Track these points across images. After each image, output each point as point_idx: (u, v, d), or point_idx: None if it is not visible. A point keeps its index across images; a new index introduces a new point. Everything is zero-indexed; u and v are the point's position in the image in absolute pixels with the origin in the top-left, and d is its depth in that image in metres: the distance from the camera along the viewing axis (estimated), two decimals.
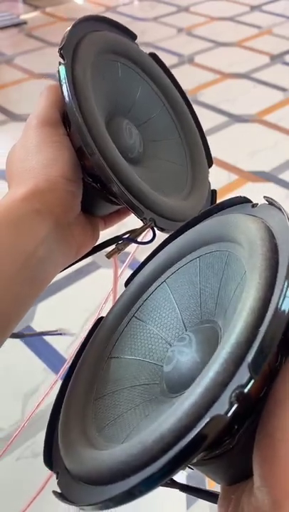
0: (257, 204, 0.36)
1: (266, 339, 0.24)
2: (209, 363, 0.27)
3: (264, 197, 0.34)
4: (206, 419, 0.24)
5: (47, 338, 1.21)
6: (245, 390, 0.23)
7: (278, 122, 2.02)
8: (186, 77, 2.29)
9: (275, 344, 0.24)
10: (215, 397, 0.25)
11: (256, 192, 1.64)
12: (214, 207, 0.39)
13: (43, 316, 1.27)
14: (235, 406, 0.23)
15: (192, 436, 0.24)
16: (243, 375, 0.24)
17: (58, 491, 0.30)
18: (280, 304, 0.25)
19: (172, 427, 0.25)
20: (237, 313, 0.27)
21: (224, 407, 0.24)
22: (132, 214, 0.43)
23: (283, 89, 2.25)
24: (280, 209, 0.32)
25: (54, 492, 0.30)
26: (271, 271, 0.28)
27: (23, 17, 3.10)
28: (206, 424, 0.23)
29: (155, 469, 0.25)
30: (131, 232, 0.44)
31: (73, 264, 0.44)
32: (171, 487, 0.33)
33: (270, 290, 0.27)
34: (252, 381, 0.24)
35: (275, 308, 0.25)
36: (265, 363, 0.24)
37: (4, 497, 0.96)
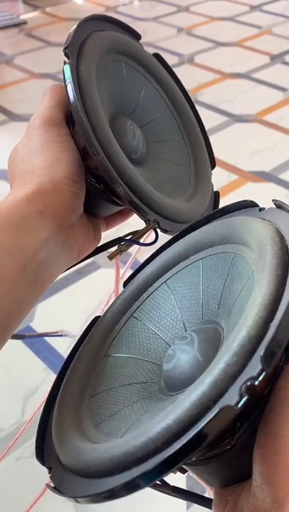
0: (264, 208, 0.36)
1: (279, 333, 0.24)
2: (218, 356, 0.26)
3: (273, 200, 0.34)
4: (216, 410, 0.23)
5: (47, 338, 1.21)
6: (256, 382, 0.23)
7: (278, 122, 2.02)
8: (186, 77, 2.29)
9: (287, 339, 0.24)
10: (224, 389, 0.24)
11: (256, 192, 1.64)
12: (219, 210, 0.39)
13: (43, 316, 1.27)
14: (245, 398, 0.23)
15: (200, 427, 0.23)
16: (255, 367, 0.24)
17: (52, 485, 0.30)
18: None
19: (179, 418, 0.25)
20: (247, 309, 0.27)
21: (234, 398, 0.23)
22: (134, 215, 0.43)
23: (283, 89, 2.25)
24: None
25: (47, 485, 0.29)
26: (282, 269, 0.28)
27: (23, 17, 3.10)
28: (215, 415, 0.23)
29: (158, 461, 0.24)
30: (133, 233, 0.44)
31: (75, 264, 0.44)
32: (162, 489, 0.33)
33: (281, 287, 0.27)
34: (263, 373, 0.23)
35: (287, 305, 0.25)
36: (276, 357, 0.24)
37: (4, 497, 0.96)
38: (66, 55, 0.40)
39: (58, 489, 0.29)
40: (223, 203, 0.40)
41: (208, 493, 0.33)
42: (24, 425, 0.66)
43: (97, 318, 0.40)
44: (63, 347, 1.19)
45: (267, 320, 0.26)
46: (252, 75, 2.39)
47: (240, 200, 0.38)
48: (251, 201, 0.37)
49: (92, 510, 0.90)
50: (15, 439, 0.69)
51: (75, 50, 0.41)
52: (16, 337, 0.58)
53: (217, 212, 0.39)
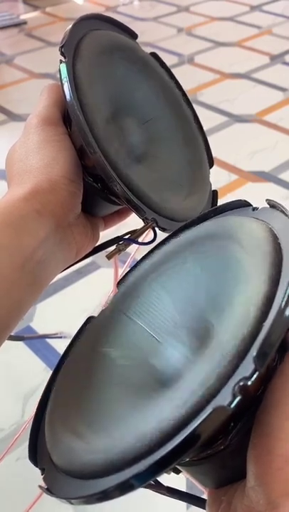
0: (258, 208, 0.36)
1: (272, 333, 0.24)
2: (210, 356, 0.26)
3: (266, 200, 0.34)
4: (209, 410, 0.23)
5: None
6: (249, 383, 0.23)
7: (278, 122, 2.02)
8: (186, 77, 2.29)
9: (280, 339, 0.24)
10: (217, 389, 0.24)
11: (256, 192, 1.63)
12: (213, 209, 0.39)
13: (43, 316, 1.27)
14: (238, 398, 0.23)
15: (193, 428, 0.23)
16: (248, 367, 0.24)
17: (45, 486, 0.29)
18: (283, 302, 0.25)
19: (172, 418, 0.25)
20: (240, 308, 0.27)
21: (227, 399, 0.23)
22: (132, 215, 0.43)
23: (283, 89, 2.25)
24: (282, 211, 0.32)
25: (40, 487, 0.29)
26: (275, 269, 0.28)
27: (23, 17, 3.10)
28: (208, 415, 0.23)
29: (152, 462, 0.24)
30: (132, 232, 0.44)
31: (73, 264, 0.44)
32: (156, 489, 0.33)
33: (274, 287, 0.27)
34: (256, 373, 0.23)
35: (279, 306, 0.25)
36: (269, 357, 0.24)
37: (4, 497, 0.96)
38: (62, 53, 0.40)
39: (50, 490, 0.28)
40: (222, 202, 0.40)
41: (206, 494, 0.33)
42: (24, 425, 0.66)
43: (90, 318, 0.40)
44: (63, 347, 1.19)
45: (260, 320, 0.25)
46: (252, 75, 2.39)
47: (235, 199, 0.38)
48: (245, 201, 0.37)
49: (91, 510, 0.90)
50: (15, 439, 0.69)
51: (71, 49, 0.41)
52: (15, 338, 0.58)
53: (210, 212, 0.39)
